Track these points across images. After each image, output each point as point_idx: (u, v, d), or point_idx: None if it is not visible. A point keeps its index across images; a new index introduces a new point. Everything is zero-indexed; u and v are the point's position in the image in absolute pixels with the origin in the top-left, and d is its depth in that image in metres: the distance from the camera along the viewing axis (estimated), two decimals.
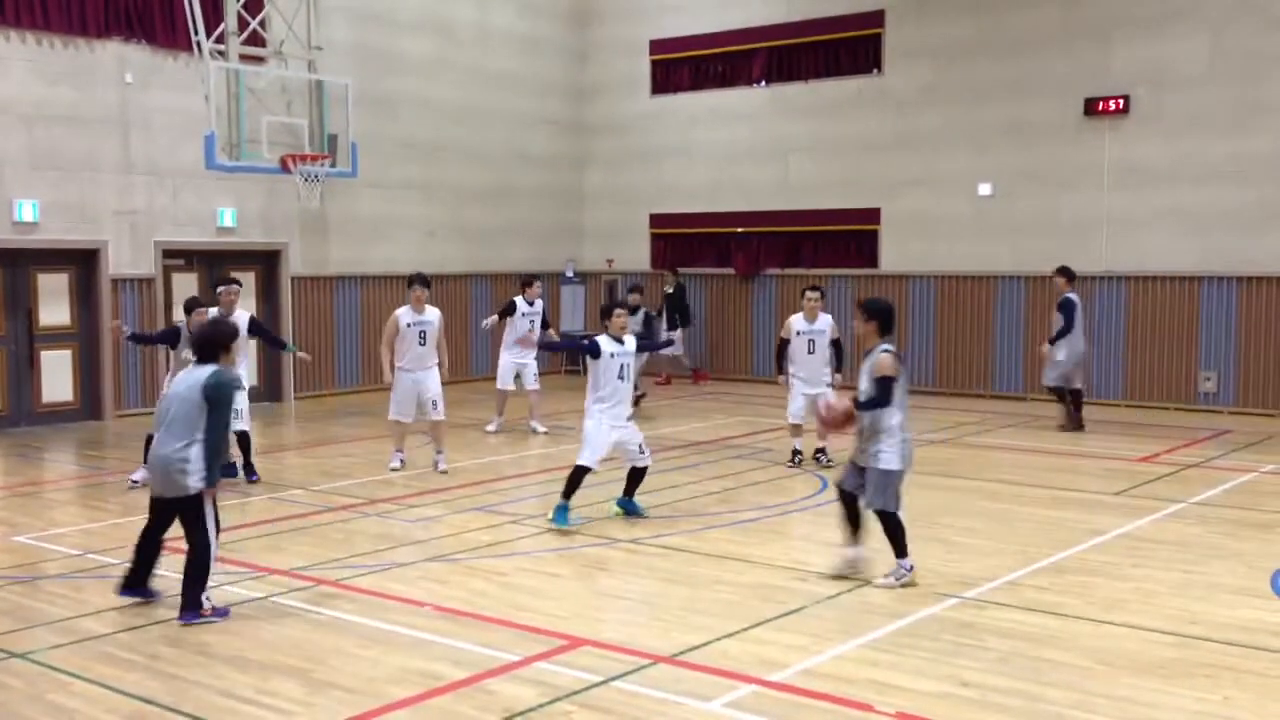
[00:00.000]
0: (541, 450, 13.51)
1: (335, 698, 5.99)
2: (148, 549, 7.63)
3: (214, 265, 17.22)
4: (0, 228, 14.94)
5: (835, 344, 12.42)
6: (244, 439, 11.46)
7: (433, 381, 12.12)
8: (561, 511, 9.58)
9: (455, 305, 19.11)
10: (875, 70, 19.25)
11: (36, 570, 8.50)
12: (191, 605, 7.20)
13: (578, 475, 9.63)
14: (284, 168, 15.71)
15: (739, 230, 20.60)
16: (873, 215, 19.33)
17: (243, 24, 15.70)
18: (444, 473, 11.93)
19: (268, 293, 17.91)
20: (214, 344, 7.56)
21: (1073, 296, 14.83)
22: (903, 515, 7.93)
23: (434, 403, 12.05)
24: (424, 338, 12.07)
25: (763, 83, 20.40)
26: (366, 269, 18.88)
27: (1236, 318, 16.44)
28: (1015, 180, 18.02)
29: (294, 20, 16.53)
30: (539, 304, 15.04)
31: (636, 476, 10.01)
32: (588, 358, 9.82)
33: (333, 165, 16.26)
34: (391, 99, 19.07)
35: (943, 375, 18.78)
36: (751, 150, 20.49)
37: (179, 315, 16.05)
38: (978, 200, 18.36)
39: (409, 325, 12.07)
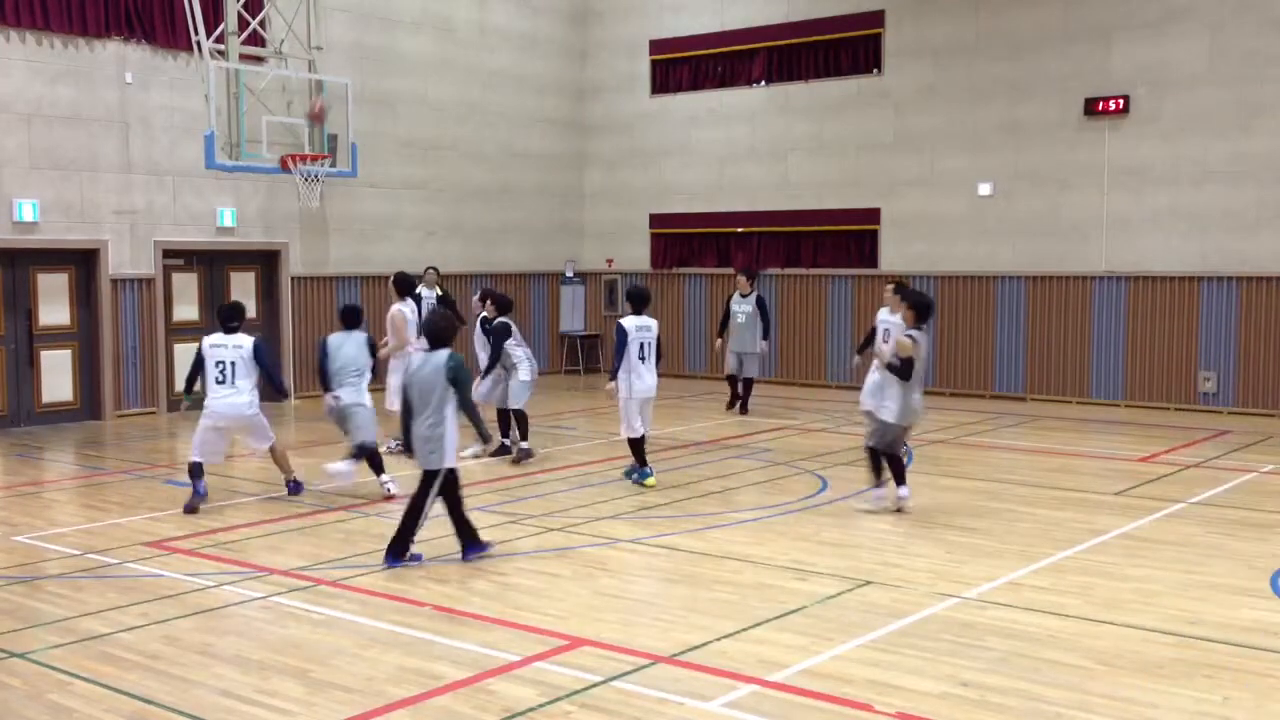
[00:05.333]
0: (539, 450, 13.48)
1: (335, 698, 5.99)
2: (457, 517, 8.66)
3: (214, 265, 17.25)
4: (0, 228, 14.94)
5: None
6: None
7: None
8: (640, 471, 11.42)
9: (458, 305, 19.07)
10: (875, 70, 19.25)
11: (36, 570, 8.51)
12: (394, 552, 8.49)
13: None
14: (284, 168, 15.70)
15: (739, 230, 20.60)
16: (873, 215, 19.33)
17: (243, 24, 15.68)
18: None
19: (267, 292, 17.91)
20: (449, 333, 8.68)
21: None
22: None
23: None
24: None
25: (763, 83, 20.40)
26: (366, 269, 18.88)
27: (1236, 318, 16.44)
28: (1015, 180, 18.02)
29: (294, 20, 16.51)
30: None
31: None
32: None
33: (333, 165, 16.24)
34: (391, 99, 19.08)
35: (943, 375, 18.78)
36: (751, 150, 20.49)
37: (182, 314, 16.12)
38: (978, 200, 18.36)
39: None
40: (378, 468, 11.06)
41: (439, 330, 8.61)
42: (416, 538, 8.51)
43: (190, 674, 6.36)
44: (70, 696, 6.04)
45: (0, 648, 6.76)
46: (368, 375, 11.28)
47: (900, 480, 10.22)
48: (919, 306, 10.42)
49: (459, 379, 8.38)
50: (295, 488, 11.01)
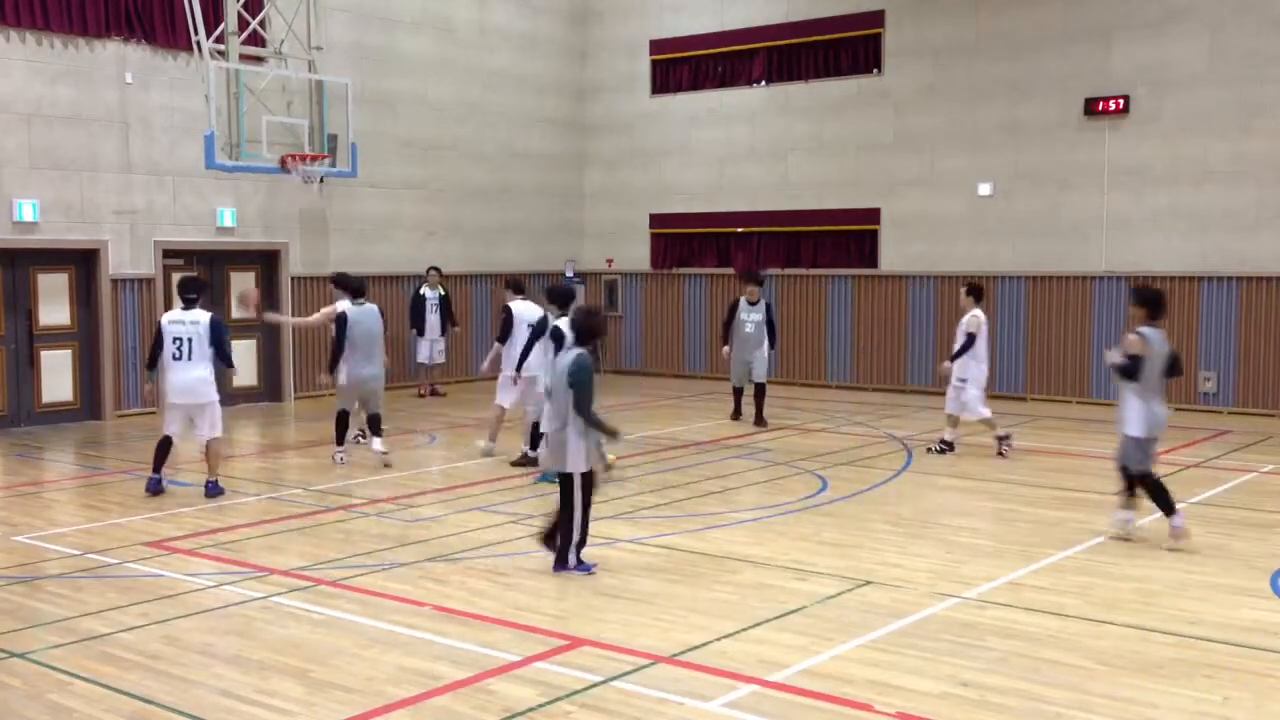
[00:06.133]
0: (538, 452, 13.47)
1: (335, 698, 5.99)
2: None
3: (214, 265, 17.25)
4: (0, 228, 14.94)
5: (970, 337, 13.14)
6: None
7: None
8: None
9: (456, 305, 19.10)
10: (875, 70, 19.25)
11: (36, 570, 8.51)
12: (560, 560, 8.27)
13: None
14: (284, 168, 15.69)
15: (739, 230, 20.60)
16: (873, 215, 19.34)
17: (243, 24, 15.68)
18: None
19: (267, 292, 17.89)
20: (589, 331, 8.37)
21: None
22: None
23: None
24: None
25: (763, 83, 20.40)
26: (366, 268, 18.81)
27: (1236, 318, 16.44)
28: (1015, 180, 18.03)
29: (294, 20, 16.51)
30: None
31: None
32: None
33: (333, 165, 16.25)
34: (391, 99, 19.08)
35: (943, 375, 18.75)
36: (751, 150, 20.49)
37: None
38: (978, 200, 18.36)
39: None
40: (376, 430, 12.48)
41: (582, 328, 8.33)
42: (586, 545, 8.33)
43: (190, 674, 6.36)
44: (70, 696, 6.04)
45: (0, 648, 6.76)
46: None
47: (1169, 510, 9.01)
48: (1149, 302, 9.12)
49: (576, 381, 8.04)
50: (214, 488, 10.91)
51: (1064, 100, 17.48)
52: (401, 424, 15.52)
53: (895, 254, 19.18)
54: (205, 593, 7.86)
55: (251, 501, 10.85)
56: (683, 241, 21.43)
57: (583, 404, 8.04)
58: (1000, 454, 12.95)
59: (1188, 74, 16.55)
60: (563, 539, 8.26)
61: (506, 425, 12.91)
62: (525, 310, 12.37)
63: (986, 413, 13.10)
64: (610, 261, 22.22)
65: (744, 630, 7.01)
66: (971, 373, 13.06)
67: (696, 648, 6.70)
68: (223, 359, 10.95)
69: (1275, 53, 15.96)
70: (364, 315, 12.58)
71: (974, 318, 13.09)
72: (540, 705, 5.85)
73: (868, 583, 8.00)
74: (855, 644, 6.77)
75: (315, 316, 13.96)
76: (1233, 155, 16.30)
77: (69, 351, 15.86)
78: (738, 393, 15.94)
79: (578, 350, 8.21)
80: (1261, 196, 16.14)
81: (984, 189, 18.28)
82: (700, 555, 8.78)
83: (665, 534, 9.45)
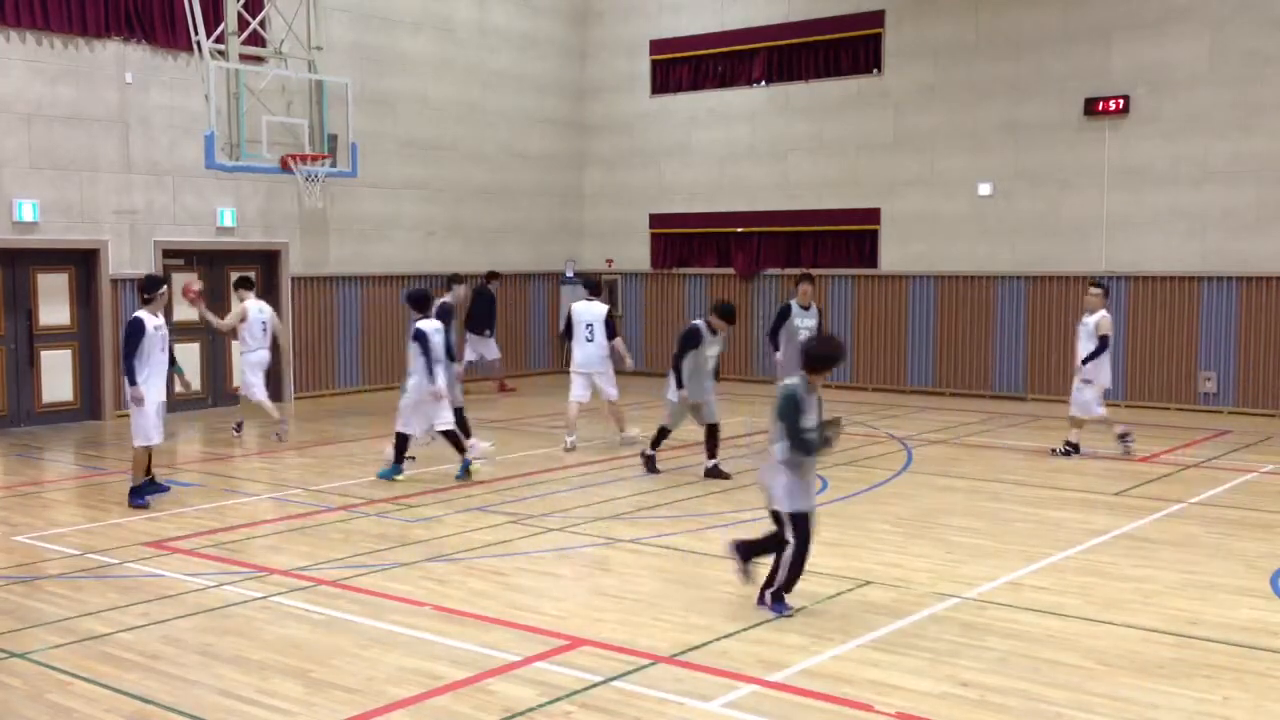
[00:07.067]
0: (540, 450, 13.50)
1: (335, 698, 5.99)
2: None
3: (214, 265, 17.25)
4: (0, 228, 14.95)
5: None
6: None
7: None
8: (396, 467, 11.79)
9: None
10: (875, 70, 19.25)
11: (36, 570, 8.51)
12: (775, 597, 7.35)
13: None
14: (284, 168, 15.70)
15: (739, 230, 20.60)
16: (873, 215, 19.34)
17: (243, 24, 15.67)
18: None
19: (267, 292, 17.86)
20: (811, 359, 7.42)
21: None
22: None
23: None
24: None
25: (763, 83, 20.40)
26: (366, 269, 18.88)
27: (1236, 318, 16.44)
28: (1015, 180, 18.03)
29: (294, 20, 16.52)
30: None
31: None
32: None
33: (333, 165, 16.25)
34: (391, 99, 19.08)
35: (943, 375, 18.79)
36: (751, 150, 20.50)
37: (181, 314, 16.06)
38: (978, 200, 18.37)
39: None
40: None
41: (805, 353, 7.47)
42: (794, 588, 7.45)
43: (190, 674, 6.36)
44: (70, 696, 6.04)
45: (0, 648, 6.76)
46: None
47: None
48: None
49: (779, 413, 7.27)
50: (133, 495, 10.54)
51: (1064, 100, 17.48)
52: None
53: (895, 254, 19.18)
54: (205, 593, 7.86)
55: (251, 501, 10.85)
56: (683, 241, 21.43)
57: (788, 436, 7.22)
58: (1126, 453, 12.82)
59: (1188, 74, 16.56)
60: (785, 576, 7.35)
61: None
62: (580, 310, 13.56)
63: (1102, 412, 12.96)
64: (610, 261, 22.22)
65: (744, 630, 7.01)
66: (1099, 374, 12.85)
67: (696, 648, 6.70)
68: (122, 364, 10.41)
69: (1275, 53, 15.97)
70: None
71: (1106, 319, 12.85)
72: (540, 705, 5.85)
73: (868, 583, 8.00)
74: (855, 644, 6.76)
75: (227, 319, 14.49)
76: (1233, 155, 16.30)
77: (69, 351, 15.86)
78: None
79: (793, 379, 7.38)
80: (1261, 196, 16.15)
81: (984, 189, 18.29)
82: (701, 555, 8.78)
83: (666, 534, 9.45)
